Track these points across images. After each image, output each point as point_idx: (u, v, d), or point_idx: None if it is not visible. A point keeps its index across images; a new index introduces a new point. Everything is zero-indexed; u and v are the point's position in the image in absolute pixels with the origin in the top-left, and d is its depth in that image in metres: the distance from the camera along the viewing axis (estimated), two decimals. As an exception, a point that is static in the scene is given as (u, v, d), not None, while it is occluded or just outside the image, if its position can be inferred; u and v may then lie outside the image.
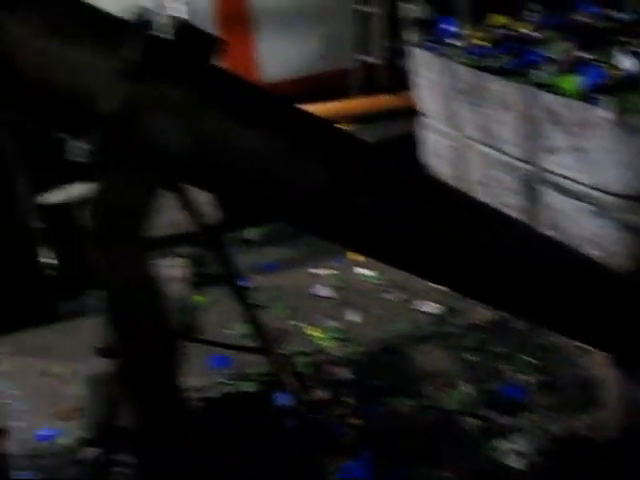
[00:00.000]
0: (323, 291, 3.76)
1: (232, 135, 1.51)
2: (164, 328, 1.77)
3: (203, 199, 2.12)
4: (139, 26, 1.45)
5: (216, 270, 2.37)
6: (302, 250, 4.03)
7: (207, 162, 1.53)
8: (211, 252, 2.25)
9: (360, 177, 1.62)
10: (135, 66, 1.41)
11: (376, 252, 1.73)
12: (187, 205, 2.00)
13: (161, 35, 1.46)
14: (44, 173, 4.04)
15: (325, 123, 1.69)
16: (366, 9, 5.48)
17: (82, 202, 3.98)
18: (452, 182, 3.88)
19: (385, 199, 1.63)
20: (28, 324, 3.72)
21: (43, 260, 3.91)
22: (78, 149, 1.60)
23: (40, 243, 3.91)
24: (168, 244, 2.49)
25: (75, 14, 1.44)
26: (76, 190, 4.09)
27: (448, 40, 4.14)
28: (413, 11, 4.72)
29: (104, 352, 2.25)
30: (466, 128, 3.94)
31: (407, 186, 1.70)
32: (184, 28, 1.50)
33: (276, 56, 5.54)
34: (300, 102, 1.69)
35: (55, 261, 3.97)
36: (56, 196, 4.04)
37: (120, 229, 1.64)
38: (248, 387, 3.01)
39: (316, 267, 3.95)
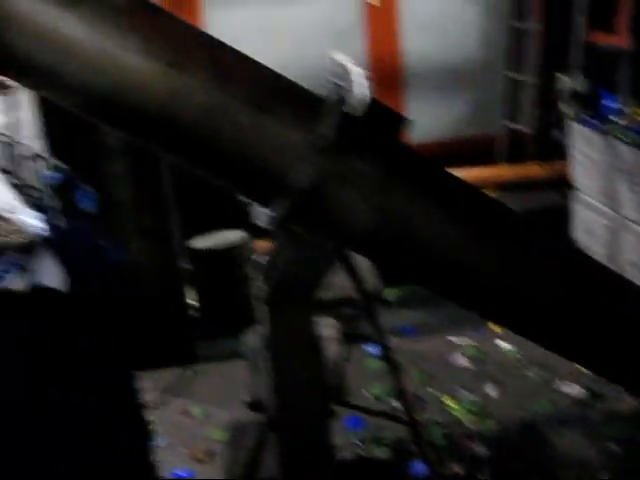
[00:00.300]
0: (461, 360, 3.70)
1: (413, 212, 1.53)
2: (320, 388, 1.80)
3: (364, 265, 2.15)
4: (333, 102, 1.50)
5: (364, 332, 2.39)
6: (440, 316, 4.00)
7: (385, 236, 1.55)
8: (364, 315, 2.28)
9: (508, 247, 1.61)
10: (328, 142, 1.46)
11: (518, 325, 1.70)
12: (350, 270, 2.03)
13: (352, 112, 1.51)
14: (196, 217, 4.22)
15: (478, 192, 1.69)
16: (518, 77, 5.45)
17: (229, 249, 4.12)
18: (602, 261, 3.77)
19: (532, 270, 1.61)
20: (169, 362, 3.85)
21: (188, 301, 4.06)
22: (260, 213, 1.66)
23: (187, 284, 4.07)
24: (328, 306, 2.53)
25: (273, 87, 1.51)
26: (224, 237, 4.24)
27: (609, 116, 4.05)
28: (570, 83, 4.66)
29: (254, 405, 2.30)
30: (624, 208, 3.82)
31: (556, 259, 1.67)
32: (373, 105, 1.55)
33: (424, 117, 5.57)
34: (446, 165, 1.69)
35: (198, 303, 4.11)
36: (205, 241, 4.20)
37: (292, 294, 1.69)
38: (381, 452, 2.98)
39: (455, 335, 3.90)
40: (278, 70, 1.53)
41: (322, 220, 1.53)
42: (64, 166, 2.14)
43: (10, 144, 2.35)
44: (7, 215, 1.68)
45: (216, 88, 1.40)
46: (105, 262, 1.80)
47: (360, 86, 1.57)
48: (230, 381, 3.49)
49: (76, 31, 1.33)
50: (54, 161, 2.20)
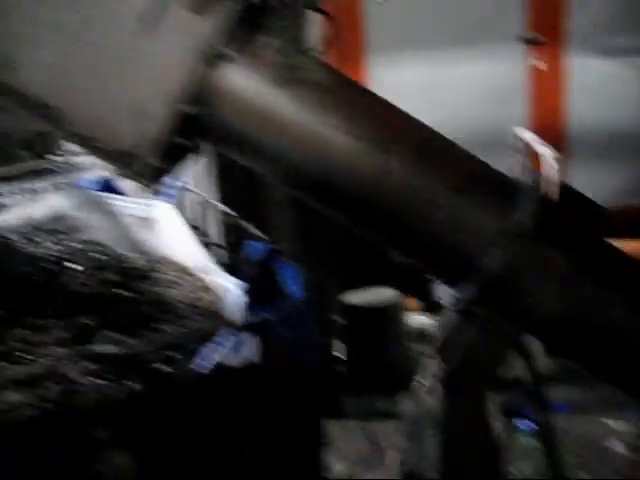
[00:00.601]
0: (617, 446, 3.52)
1: (599, 302, 1.50)
2: (487, 469, 1.77)
3: (536, 347, 2.10)
4: (529, 188, 1.49)
5: (524, 408, 2.32)
6: (596, 395, 3.82)
7: (567, 324, 1.53)
8: (533, 395, 2.22)
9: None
10: (523, 229, 1.44)
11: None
12: (524, 353, 1.98)
13: (545, 196, 1.49)
14: (352, 273, 4.26)
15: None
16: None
17: (382, 306, 4.13)
18: None
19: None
20: (313, 416, 3.86)
21: (335, 355, 4.08)
22: (443, 292, 1.66)
23: (336, 338, 4.09)
24: (501, 386, 2.48)
25: (471, 169, 1.51)
26: (376, 294, 4.25)
27: None
28: None
29: (408, 475, 2.27)
30: None
31: None
32: (568, 191, 1.53)
33: (588, 184, 5.40)
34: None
35: (346, 358, 4.13)
36: (358, 297, 4.23)
37: (470, 376, 1.67)
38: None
39: (611, 417, 3.72)
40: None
41: (507, 305, 1.52)
42: (265, 237, 2.22)
43: (202, 203, 2.47)
44: (198, 274, 1.76)
45: (419, 170, 1.42)
46: (306, 350, 1.85)
47: (550, 169, 1.55)
48: (375, 442, 3.47)
49: (287, 110, 1.38)
50: (254, 230, 2.28)
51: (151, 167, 1.34)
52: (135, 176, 1.36)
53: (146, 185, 1.36)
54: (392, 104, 1.54)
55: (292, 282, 2.25)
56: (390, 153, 1.41)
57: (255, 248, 2.17)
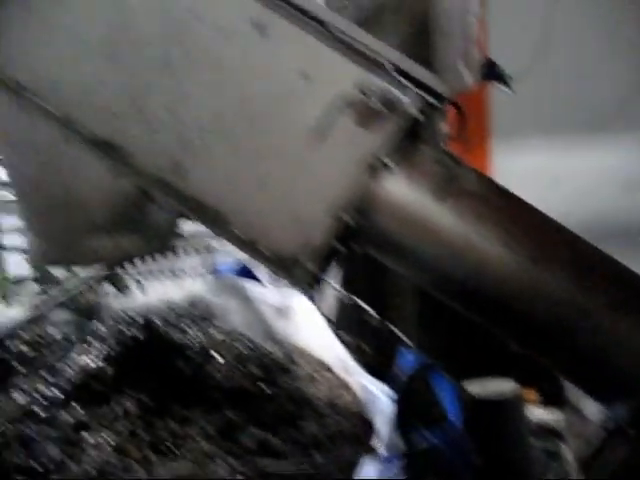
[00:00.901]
0: None
1: None
2: None
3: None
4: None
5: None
6: None
7: None
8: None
9: None
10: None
11: None
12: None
13: None
14: (470, 361, 4.15)
15: None
16: None
17: (502, 399, 3.96)
18: None
19: None
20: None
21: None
22: (593, 407, 1.61)
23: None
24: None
25: (629, 286, 1.48)
26: (495, 385, 4.11)
27: None
28: None
29: None
30: None
31: None
32: None
33: None
34: None
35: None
36: (475, 387, 4.10)
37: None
38: None
39: None
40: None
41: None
42: (415, 347, 2.20)
43: (342, 299, 2.48)
44: (337, 371, 1.75)
45: (576, 287, 1.39)
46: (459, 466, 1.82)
47: None
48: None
49: (445, 221, 1.40)
50: (402, 336, 2.27)
51: (311, 273, 1.37)
52: (294, 281, 1.39)
53: (305, 291, 1.39)
54: (544, 214, 1.52)
55: (448, 400, 2.21)
56: (543, 267, 1.39)
57: (406, 358, 2.14)
